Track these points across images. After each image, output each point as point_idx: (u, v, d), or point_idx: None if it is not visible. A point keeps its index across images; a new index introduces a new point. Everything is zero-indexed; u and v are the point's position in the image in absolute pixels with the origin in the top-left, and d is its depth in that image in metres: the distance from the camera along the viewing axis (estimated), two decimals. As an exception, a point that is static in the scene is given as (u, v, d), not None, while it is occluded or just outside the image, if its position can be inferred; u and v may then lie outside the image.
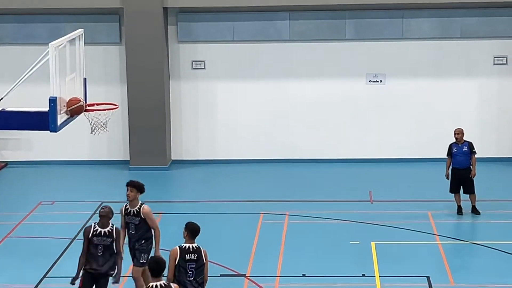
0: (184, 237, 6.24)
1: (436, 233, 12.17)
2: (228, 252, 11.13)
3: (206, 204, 14.10)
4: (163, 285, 5.48)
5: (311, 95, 16.35)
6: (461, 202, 12.56)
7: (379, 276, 10.09)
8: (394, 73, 16.28)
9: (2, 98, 8.28)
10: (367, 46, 16.11)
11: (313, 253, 11.19)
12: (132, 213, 8.43)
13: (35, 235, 12.06)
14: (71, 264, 9.02)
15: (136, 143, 16.17)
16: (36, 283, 9.51)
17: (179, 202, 14.54)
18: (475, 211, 12.80)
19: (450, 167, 12.64)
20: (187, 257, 6.55)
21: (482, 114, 16.60)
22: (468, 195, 12.66)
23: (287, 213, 13.31)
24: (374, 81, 16.30)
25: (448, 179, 12.03)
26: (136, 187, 8.65)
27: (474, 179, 12.63)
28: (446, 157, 12.68)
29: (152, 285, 5.50)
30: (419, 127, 16.50)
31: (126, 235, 8.42)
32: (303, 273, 9.84)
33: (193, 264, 6.61)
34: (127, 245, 8.65)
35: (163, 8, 15.65)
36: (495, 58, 15.82)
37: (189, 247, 6.37)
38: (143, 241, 8.30)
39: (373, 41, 16.15)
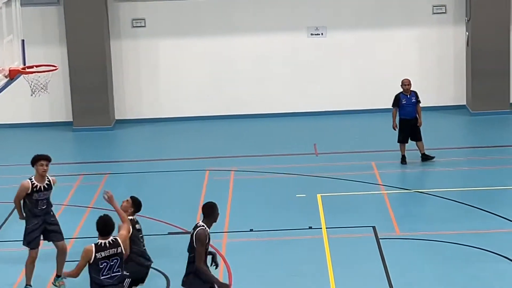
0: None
1: (380, 183, 12.41)
2: (175, 210, 11.29)
3: (152, 163, 14.22)
4: (112, 241, 5.53)
5: (254, 50, 16.37)
6: (405, 152, 12.65)
7: (326, 228, 10.28)
8: (335, 26, 16.48)
9: None
10: None
11: (260, 208, 11.31)
12: (43, 189, 8.06)
13: (-23, 199, 12.14)
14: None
15: (79, 104, 16.20)
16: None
17: (124, 162, 14.49)
18: (426, 157, 12.83)
19: (397, 117, 12.51)
20: (137, 227, 6.65)
21: (422, 63, 16.84)
22: (415, 144, 12.81)
23: (233, 169, 13.42)
24: (315, 34, 16.34)
25: (395, 129, 12.01)
26: (50, 160, 8.43)
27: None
28: (392, 107, 12.55)
29: (100, 242, 5.48)
30: (362, 78, 16.73)
31: (32, 213, 7.99)
32: (251, 228, 9.98)
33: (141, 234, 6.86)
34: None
35: (101, -33, 15.49)
36: (434, 7, 16.07)
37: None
38: (52, 213, 8.19)
39: None
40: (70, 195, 11.89)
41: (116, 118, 16.85)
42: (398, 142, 12.98)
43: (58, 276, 8.19)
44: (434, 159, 12.86)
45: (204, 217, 6.13)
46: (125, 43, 16.98)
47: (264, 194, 12.14)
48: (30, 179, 7.72)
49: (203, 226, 6.09)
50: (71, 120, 16.45)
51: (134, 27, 16.72)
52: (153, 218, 10.11)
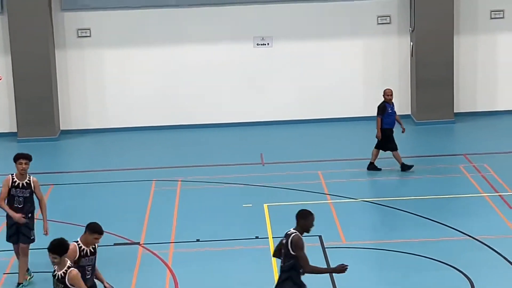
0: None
1: (327, 193, 12.36)
2: (121, 221, 11.16)
3: (98, 174, 13.96)
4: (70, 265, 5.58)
5: (200, 60, 16.33)
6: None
7: (272, 238, 10.21)
8: (281, 36, 16.43)
9: None
10: (253, 9, 16.15)
11: (206, 218, 11.27)
12: (21, 186, 8.16)
13: None
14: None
15: (23, 114, 15.90)
16: None
17: (69, 172, 14.30)
18: (406, 167, 12.83)
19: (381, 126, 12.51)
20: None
21: (367, 73, 16.88)
22: (390, 153, 12.79)
23: (180, 179, 13.26)
24: (261, 44, 16.35)
25: (379, 139, 12.08)
26: (30, 159, 8.48)
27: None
28: (377, 116, 12.52)
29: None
30: (308, 88, 16.68)
31: (11, 209, 8.05)
32: (197, 238, 9.92)
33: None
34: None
35: (46, -24, 15.52)
36: (378, 18, 16.14)
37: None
38: (30, 215, 8.06)
39: (260, 4, 16.15)
40: (14, 206, 11.46)
41: (61, 128, 16.59)
42: (380, 148, 13.06)
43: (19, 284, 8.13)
44: (412, 169, 12.85)
45: (297, 224, 6.09)
46: (70, 53, 16.76)
47: (211, 204, 12.07)
48: (12, 174, 7.91)
49: (295, 232, 6.06)
50: (16, 131, 16.23)
51: (79, 37, 16.57)
52: (99, 229, 9.86)
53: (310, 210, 6.28)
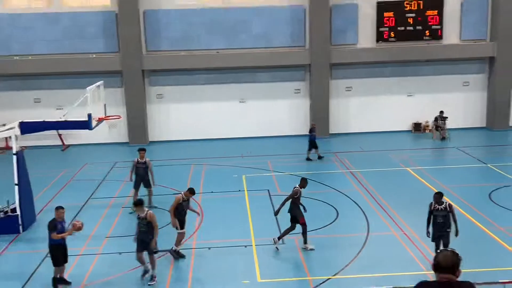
0: None
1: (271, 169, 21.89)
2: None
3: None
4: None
5: (214, 107, 25.23)
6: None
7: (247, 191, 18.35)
8: (251, 98, 24.94)
9: (64, 115, 14.66)
10: (238, 86, 24.74)
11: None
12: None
13: None
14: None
15: (133, 133, 24.31)
16: None
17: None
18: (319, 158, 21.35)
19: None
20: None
21: (292, 118, 25.44)
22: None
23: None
24: (242, 102, 24.73)
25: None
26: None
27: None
28: None
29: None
30: (263, 120, 25.05)
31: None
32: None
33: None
34: None
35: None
36: (295, 90, 25.43)
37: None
38: None
39: (241, 84, 25.03)
40: None
41: (149, 140, 24.64)
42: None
43: None
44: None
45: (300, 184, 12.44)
46: (153, 106, 25.03)
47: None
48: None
49: (297, 187, 12.45)
50: (128, 141, 24.44)
51: (157, 98, 24.92)
52: None
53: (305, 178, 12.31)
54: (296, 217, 12.52)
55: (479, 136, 25.27)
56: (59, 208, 10.87)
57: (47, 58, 23.53)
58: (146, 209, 11.18)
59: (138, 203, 11.34)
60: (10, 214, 13.96)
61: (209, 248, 13.01)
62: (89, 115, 14.14)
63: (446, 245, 10.94)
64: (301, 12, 24.53)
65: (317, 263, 12.38)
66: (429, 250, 12.22)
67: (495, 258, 12.35)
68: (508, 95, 25.63)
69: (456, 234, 11.22)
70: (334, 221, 14.50)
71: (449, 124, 24.72)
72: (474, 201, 15.99)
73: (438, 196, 11.56)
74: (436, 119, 24.75)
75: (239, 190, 17.25)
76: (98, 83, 15.96)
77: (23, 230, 14.12)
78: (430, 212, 11.44)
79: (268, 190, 17.33)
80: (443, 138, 24.32)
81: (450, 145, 23.54)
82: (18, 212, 14.00)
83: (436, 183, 17.30)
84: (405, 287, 9.29)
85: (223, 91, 25.42)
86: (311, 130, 21.42)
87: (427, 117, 25.80)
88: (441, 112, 24.67)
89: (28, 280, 11.38)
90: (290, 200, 12.37)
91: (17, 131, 14.04)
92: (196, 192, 12.88)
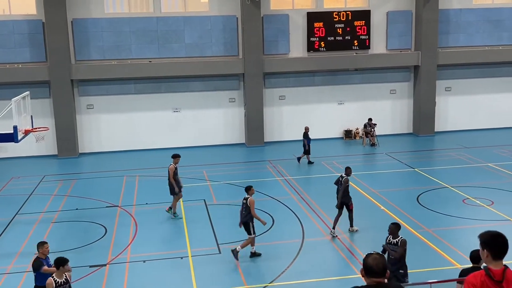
0: None
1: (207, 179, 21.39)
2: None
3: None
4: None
5: (149, 117, 25.06)
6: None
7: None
8: (185, 107, 24.65)
9: None
10: (173, 95, 24.59)
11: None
12: None
13: None
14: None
15: (62, 144, 23.61)
16: None
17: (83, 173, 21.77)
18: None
19: None
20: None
21: (228, 133, 25.59)
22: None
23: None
24: (176, 111, 24.43)
25: None
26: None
27: None
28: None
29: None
30: (197, 130, 24.96)
31: None
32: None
33: None
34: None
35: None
36: (229, 99, 25.34)
37: None
38: None
39: (176, 93, 24.82)
40: None
41: (79, 151, 24.14)
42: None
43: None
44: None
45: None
46: (83, 116, 24.32)
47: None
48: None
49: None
50: (56, 153, 23.66)
51: (88, 108, 24.28)
52: None
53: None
54: (347, 204, 13.78)
55: (406, 142, 25.83)
56: (43, 244, 9.49)
57: None
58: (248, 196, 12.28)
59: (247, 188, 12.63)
60: None
61: (144, 261, 12.76)
62: (15, 127, 13.71)
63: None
64: (233, 22, 24.59)
65: (254, 271, 12.38)
66: (361, 253, 12.38)
67: (424, 259, 12.57)
68: (433, 102, 26.38)
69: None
70: (270, 228, 14.49)
71: (378, 131, 25.19)
72: (403, 205, 16.37)
73: (394, 227, 10.23)
74: (365, 126, 25.30)
75: (174, 201, 16.58)
76: (24, 94, 15.53)
77: None
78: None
79: (204, 200, 17.25)
80: (372, 144, 24.78)
81: (379, 151, 23.98)
82: None
83: (367, 188, 17.74)
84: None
85: (156, 101, 25.21)
86: (305, 135, 21.50)
87: (357, 124, 26.29)
88: (370, 119, 25.22)
89: None
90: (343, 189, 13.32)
91: None
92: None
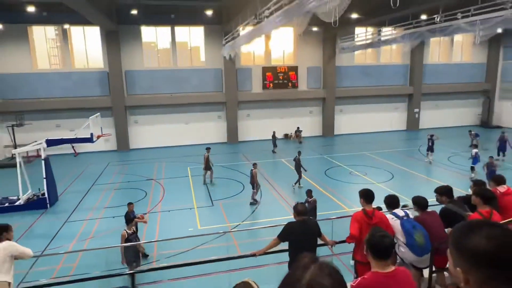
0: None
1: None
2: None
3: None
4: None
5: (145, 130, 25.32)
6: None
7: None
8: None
9: (75, 134, 13.35)
10: None
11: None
12: None
13: None
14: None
15: (120, 142, 22.57)
16: None
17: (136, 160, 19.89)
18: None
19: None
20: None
21: (218, 135, 24.48)
22: None
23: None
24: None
25: None
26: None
27: None
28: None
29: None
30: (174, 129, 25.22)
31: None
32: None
33: None
34: None
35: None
36: (218, 116, 24.47)
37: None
38: None
39: None
40: None
41: (131, 147, 22.81)
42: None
43: None
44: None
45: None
46: (131, 128, 22.99)
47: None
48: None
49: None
50: (116, 148, 22.95)
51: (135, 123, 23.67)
52: None
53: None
54: (300, 173, 12.89)
55: (319, 140, 24.82)
56: (129, 204, 8.55)
57: (66, 100, 21.77)
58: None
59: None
60: (41, 197, 13.08)
61: (169, 211, 12.29)
62: (91, 134, 13.45)
63: None
64: (220, 71, 23.68)
65: (233, 214, 11.52)
66: (292, 204, 11.94)
67: (328, 205, 12.11)
68: (333, 118, 26.05)
69: None
70: (241, 191, 13.56)
71: (303, 134, 24.98)
72: (317, 176, 15.85)
73: (309, 191, 9.54)
74: (296, 131, 25.43)
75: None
76: (96, 114, 15.08)
77: (50, 207, 13.11)
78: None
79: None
80: (300, 142, 24.15)
81: (304, 146, 23.02)
82: (46, 195, 13.06)
83: (292, 169, 16.30)
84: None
85: (174, 118, 24.03)
86: (273, 136, 20.80)
87: (291, 130, 25.72)
88: (298, 127, 25.10)
89: (53, 238, 10.53)
90: None
91: (44, 145, 13.18)
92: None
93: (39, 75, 20.93)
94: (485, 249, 1.02)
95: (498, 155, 16.90)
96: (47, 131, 21.03)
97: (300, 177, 13.43)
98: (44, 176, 12.77)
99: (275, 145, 20.68)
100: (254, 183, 11.67)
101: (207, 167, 14.25)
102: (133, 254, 6.88)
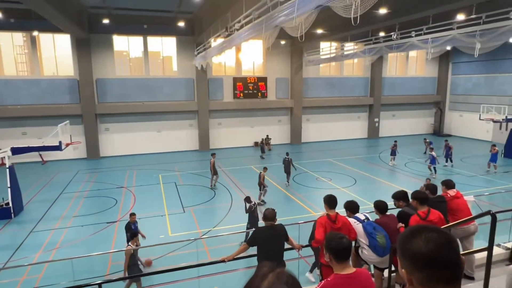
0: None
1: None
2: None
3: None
4: None
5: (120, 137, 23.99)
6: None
7: None
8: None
9: (43, 141, 12.81)
10: None
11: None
12: None
13: None
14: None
15: (90, 150, 21.43)
16: None
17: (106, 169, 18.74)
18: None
19: None
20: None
21: (189, 143, 23.91)
22: None
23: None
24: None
25: None
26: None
27: None
28: None
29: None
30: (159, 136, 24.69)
31: None
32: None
33: None
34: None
35: None
36: (189, 124, 23.54)
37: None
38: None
39: None
40: None
41: (101, 155, 21.74)
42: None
43: None
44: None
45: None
46: (102, 136, 21.89)
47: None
48: None
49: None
50: (86, 156, 21.60)
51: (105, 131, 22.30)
52: None
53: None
54: (289, 172, 13.04)
55: (287, 148, 24.52)
56: (132, 215, 8.41)
57: (34, 107, 20.48)
58: None
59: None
60: (5, 206, 12.36)
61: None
62: (60, 142, 12.73)
63: None
64: (191, 81, 23.15)
65: (204, 220, 11.32)
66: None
67: (295, 210, 12.21)
68: (300, 126, 25.85)
69: None
70: (213, 197, 13.33)
71: (272, 142, 24.98)
72: (284, 183, 15.52)
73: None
74: (265, 139, 25.05)
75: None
76: (65, 122, 14.35)
77: (14, 216, 12.43)
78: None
79: (175, 182, 15.66)
80: (269, 150, 23.97)
81: (272, 153, 22.94)
82: (10, 205, 12.37)
83: (267, 174, 16.46)
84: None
85: (147, 126, 23.38)
86: (255, 143, 22.22)
87: (260, 138, 25.40)
88: (267, 135, 24.99)
89: (17, 249, 9.94)
90: None
91: (9, 153, 12.47)
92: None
93: (5, 82, 19.81)
94: (423, 252, 1.10)
95: (446, 161, 17.69)
96: (13, 139, 19.94)
97: (289, 175, 13.97)
98: (9, 185, 12.17)
99: (263, 151, 20.91)
100: (262, 185, 11.80)
101: (214, 171, 14.13)
102: (138, 270, 6.52)
